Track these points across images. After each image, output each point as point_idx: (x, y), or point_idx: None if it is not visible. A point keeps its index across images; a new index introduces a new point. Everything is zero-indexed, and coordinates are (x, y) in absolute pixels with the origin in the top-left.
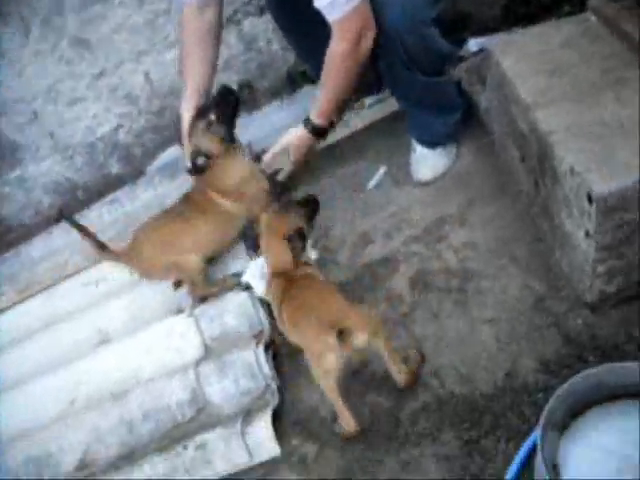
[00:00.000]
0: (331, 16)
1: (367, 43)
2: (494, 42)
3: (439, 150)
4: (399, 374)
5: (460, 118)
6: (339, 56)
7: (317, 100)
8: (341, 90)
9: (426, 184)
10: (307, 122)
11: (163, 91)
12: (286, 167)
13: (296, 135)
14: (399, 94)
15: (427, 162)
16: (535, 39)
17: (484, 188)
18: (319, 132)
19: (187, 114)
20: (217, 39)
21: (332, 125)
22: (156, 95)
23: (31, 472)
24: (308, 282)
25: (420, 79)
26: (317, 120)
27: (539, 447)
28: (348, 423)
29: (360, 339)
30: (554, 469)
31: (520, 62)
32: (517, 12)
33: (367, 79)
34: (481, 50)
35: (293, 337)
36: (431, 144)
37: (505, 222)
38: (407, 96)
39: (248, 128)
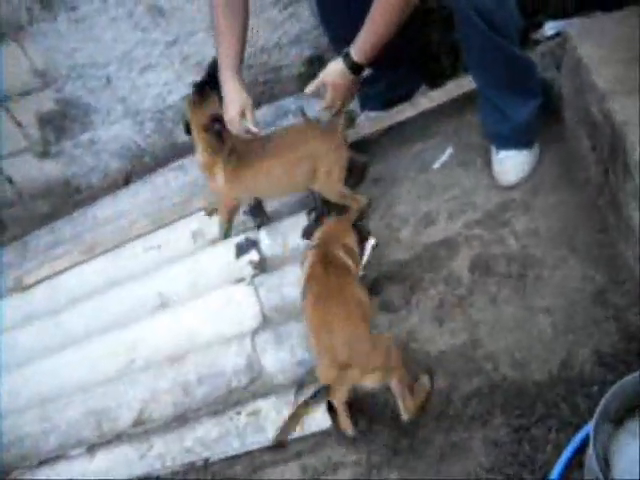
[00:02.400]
0: None
1: None
2: (572, 26)
3: (525, 151)
4: (405, 409)
5: (539, 107)
6: (390, 4)
7: (359, 36)
8: (385, 30)
9: (512, 187)
10: (346, 57)
11: None
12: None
13: (335, 69)
14: (479, 70)
15: (511, 164)
16: (616, 25)
17: (550, 175)
18: (356, 69)
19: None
20: (245, 10)
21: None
22: None
23: (91, 423)
24: (341, 279)
25: (501, 45)
26: (356, 56)
27: (592, 440)
28: (346, 426)
29: (369, 381)
30: (605, 464)
31: (598, 48)
32: None
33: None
34: (558, 34)
35: (306, 323)
36: (512, 143)
37: (569, 211)
38: (487, 70)
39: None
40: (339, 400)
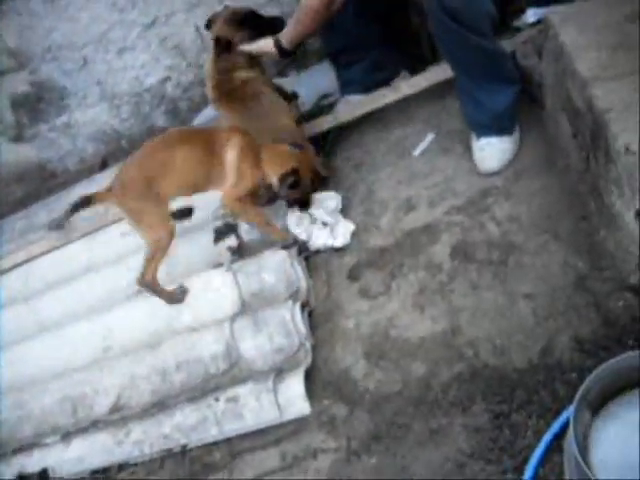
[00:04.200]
0: None
1: (337, 5)
2: (554, 13)
3: (505, 138)
4: None
5: (518, 94)
6: (311, 11)
7: (288, 27)
8: (305, 30)
9: (493, 174)
10: (277, 38)
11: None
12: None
13: (267, 42)
14: (454, 63)
15: (492, 151)
16: (598, 12)
17: (531, 162)
18: (282, 50)
19: None
20: None
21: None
22: (206, 49)
23: (67, 410)
24: None
25: (472, 40)
26: (283, 40)
27: (572, 424)
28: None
29: None
30: (584, 449)
31: (581, 35)
32: None
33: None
34: (539, 21)
35: None
36: (492, 130)
37: (551, 198)
38: (461, 64)
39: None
40: None
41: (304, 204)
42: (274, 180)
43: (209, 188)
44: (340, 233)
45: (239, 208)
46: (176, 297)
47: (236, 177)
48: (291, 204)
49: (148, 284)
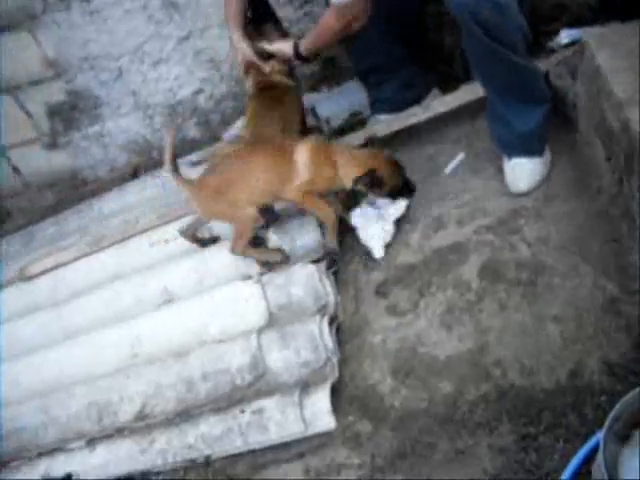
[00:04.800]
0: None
1: (355, 27)
2: (589, 35)
3: (536, 159)
4: None
5: (548, 114)
6: (330, 29)
7: (308, 36)
8: (322, 44)
9: (523, 194)
10: (296, 44)
11: None
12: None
13: (287, 44)
14: (484, 80)
15: (522, 171)
16: (633, 34)
17: (563, 184)
18: (299, 55)
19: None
20: None
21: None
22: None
23: (92, 416)
24: None
25: (503, 55)
26: (302, 47)
27: (601, 450)
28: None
29: None
30: (613, 475)
31: (616, 57)
32: (614, 5)
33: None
34: (573, 42)
35: None
36: (520, 151)
37: (581, 219)
38: (492, 80)
39: (325, 104)
40: None
41: (404, 192)
42: (349, 183)
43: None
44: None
45: (306, 201)
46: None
47: (307, 175)
48: (393, 196)
49: (239, 254)
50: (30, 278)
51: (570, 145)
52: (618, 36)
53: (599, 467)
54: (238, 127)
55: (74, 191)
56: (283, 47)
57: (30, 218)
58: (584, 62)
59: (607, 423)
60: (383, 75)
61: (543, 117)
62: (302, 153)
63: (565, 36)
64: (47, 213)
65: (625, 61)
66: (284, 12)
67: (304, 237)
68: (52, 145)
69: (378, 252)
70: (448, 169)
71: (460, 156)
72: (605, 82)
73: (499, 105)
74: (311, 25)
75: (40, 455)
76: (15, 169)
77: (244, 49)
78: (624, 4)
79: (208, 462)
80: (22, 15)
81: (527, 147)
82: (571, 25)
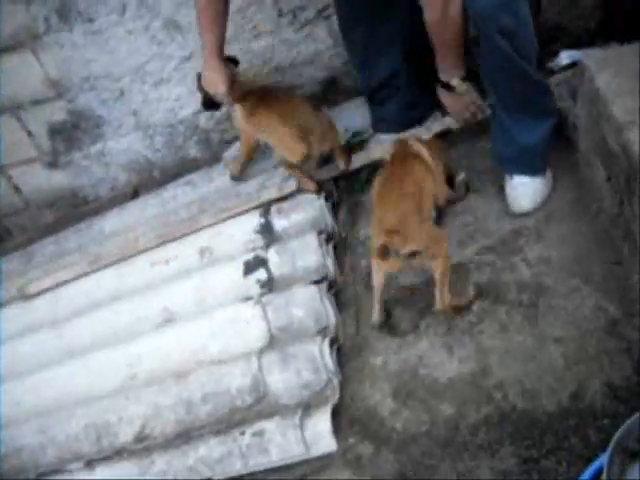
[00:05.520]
0: None
1: (456, 7)
2: (588, 56)
3: (538, 179)
4: (440, 300)
5: (552, 130)
6: (435, 22)
7: (439, 64)
8: (446, 50)
9: (525, 214)
10: (446, 84)
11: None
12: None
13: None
14: (495, 90)
15: (525, 190)
16: (634, 56)
17: (563, 204)
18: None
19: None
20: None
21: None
22: None
23: (91, 437)
24: (414, 166)
25: (519, 65)
26: (451, 79)
27: (605, 473)
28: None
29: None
30: None
31: (617, 79)
32: (614, 27)
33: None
34: (573, 64)
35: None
36: (521, 168)
37: (583, 241)
38: (502, 92)
39: None
40: (380, 272)
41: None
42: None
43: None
44: None
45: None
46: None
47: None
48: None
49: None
50: (30, 297)
51: (571, 166)
52: (618, 58)
53: None
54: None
55: (74, 210)
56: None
57: (30, 236)
58: (584, 84)
59: (611, 445)
60: (388, 93)
61: (548, 132)
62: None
63: (565, 57)
64: (47, 232)
65: (625, 83)
66: (285, 34)
67: (305, 258)
68: (53, 164)
69: None
70: None
71: (461, 176)
72: (605, 104)
73: (506, 118)
74: (313, 46)
75: (40, 475)
76: (15, 187)
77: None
78: (624, 26)
79: None
80: (25, 35)
81: (529, 163)
82: (570, 46)
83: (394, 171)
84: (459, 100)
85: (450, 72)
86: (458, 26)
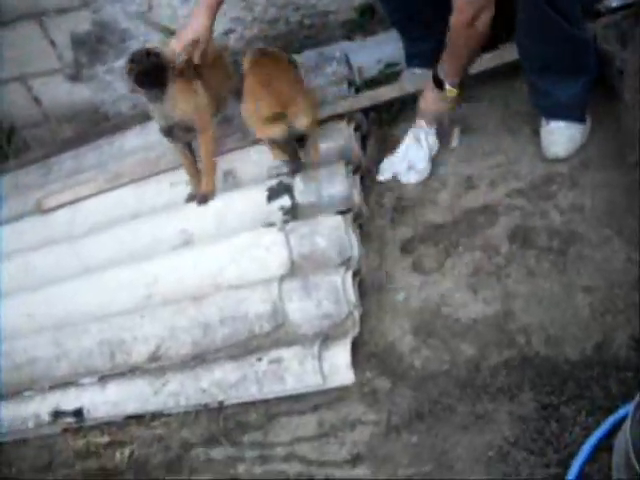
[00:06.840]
0: None
1: (484, 22)
2: None
3: (575, 125)
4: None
5: (589, 86)
6: (459, 27)
7: (448, 67)
8: (457, 56)
9: (559, 160)
10: (437, 79)
11: (281, 1)
12: None
13: (431, 97)
14: (528, 47)
15: (560, 136)
16: None
17: (600, 153)
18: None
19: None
20: None
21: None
22: (273, 3)
23: (105, 354)
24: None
25: (563, 29)
26: (447, 80)
27: (629, 423)
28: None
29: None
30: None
31: None
32: None
33: None
34: (623, 6)
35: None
36: (561, 116)
37: (617, 191)
38: (541, 56)
39: (358, 53)
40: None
41: None
42: None
43: None
44: None
45: None
46: None
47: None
48: None
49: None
50: (47, 211)
51: (612, 114)
52: None
53: (626, 439)
54: None
55: (95, 126)
56: (429, 99)
57: (48, 151)
58: (638, 28)
59: (636, 400)
60: (418, 30)
61: (586, 87)
62: None
63: None
64: (66, 146)
65: None
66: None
67: (331, 187)
68: (75, 77)
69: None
70: (454, 143)
71: (456, 131)
72: None
73: (536, 78)
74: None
75: (52, 388)
76: (35, 99)
77: (203, 34)
78: None
79: (221, 408)
80: None
81: (566, 113)
82: None
83: (263, 63)
84: (438, 103)
85: (448, 75)
86: (478, 41)
